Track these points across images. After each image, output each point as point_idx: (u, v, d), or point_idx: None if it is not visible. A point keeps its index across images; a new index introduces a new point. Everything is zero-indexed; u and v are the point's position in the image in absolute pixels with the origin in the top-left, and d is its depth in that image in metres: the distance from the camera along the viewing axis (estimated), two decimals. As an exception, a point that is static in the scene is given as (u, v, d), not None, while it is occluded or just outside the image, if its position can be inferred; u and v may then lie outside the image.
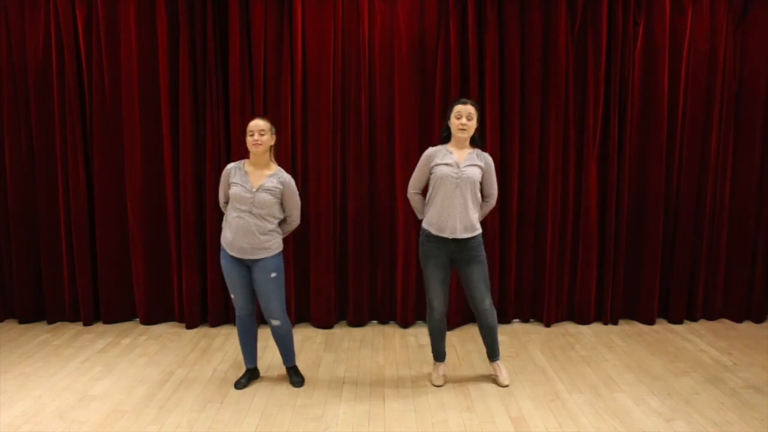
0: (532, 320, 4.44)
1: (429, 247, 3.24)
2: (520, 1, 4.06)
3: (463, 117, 3.14)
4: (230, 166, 3.23)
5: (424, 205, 3.34)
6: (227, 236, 3.17)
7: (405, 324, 4.32)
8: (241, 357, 3.59)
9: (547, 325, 4.32)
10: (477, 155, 3.21)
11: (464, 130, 3.15)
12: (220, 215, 3.70)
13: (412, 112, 4.12)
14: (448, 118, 3.22)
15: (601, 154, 4.21)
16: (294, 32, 4.03)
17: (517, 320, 4.44)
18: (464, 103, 3.17)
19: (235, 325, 3.84)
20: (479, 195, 3.23)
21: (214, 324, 4.31)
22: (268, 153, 3.20)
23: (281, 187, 3.16)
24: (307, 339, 4.11)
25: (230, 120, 4.11)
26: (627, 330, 4.25)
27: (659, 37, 4.10)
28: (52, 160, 4.24)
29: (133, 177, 4.17)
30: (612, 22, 4.08)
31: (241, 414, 3.08)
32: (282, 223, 3.29)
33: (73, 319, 4.39)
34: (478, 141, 3.28)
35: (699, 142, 4.21)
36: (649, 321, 4.33)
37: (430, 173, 3.22)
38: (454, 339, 4.07)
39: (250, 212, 3.11)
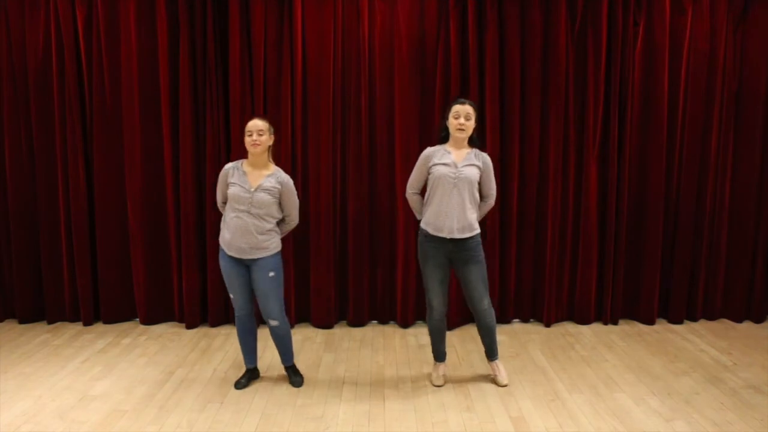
0: (532, 320, 4.44)
1: (427, 247, 3.23)
2: (520, 1, 4.06)
3: (461, 117, 3.13)
4: (228, 166, 3.23)
5: (422, 205, 3.33)
6: (225, 236, 3.17)
7: (405, 324, 4.32)
8: (241, 357, 3.59)
9: (547, 325, 4.32)
10: (475, 155, 3.21)
11: (462, 130, 3.14)
12: (220, 215, 3.70)
13: (412, 112, 4.12)
14: (446, 118, 3.21)
15: (601, 154, 4.21)
16: (294, 32, 4.04)
17: (517, 320, 4.44)
18: (462, 103, 3.16)
19: (234, 325, 3.85)
20: (477, 195, 3.22)
21: (214, 324, 4.31)
22: (266, 153, 3.20)
23: (279, 187, 3.17)
24: (307, 339, 4.11)
25: (230, 120, 4.11)
26: (627, 330, 4.25)
27: (659, 37, 4.10)
28: (52, 160, 4.25)
29: (133, 177, 4.18)
30: (612, 22, 4.08)
31: (241, 414, 3.08)
32: (280, 222, 3.29)
33: (73, 319, 4.39)
34: (476, 141, 3.28)
35: (699, 142, 4.21)
36: (649, 321, 4.33)
37: (428, 173, 3.21)
38: (454, 339, 4.07)
39: (248, 212, 3.11)
